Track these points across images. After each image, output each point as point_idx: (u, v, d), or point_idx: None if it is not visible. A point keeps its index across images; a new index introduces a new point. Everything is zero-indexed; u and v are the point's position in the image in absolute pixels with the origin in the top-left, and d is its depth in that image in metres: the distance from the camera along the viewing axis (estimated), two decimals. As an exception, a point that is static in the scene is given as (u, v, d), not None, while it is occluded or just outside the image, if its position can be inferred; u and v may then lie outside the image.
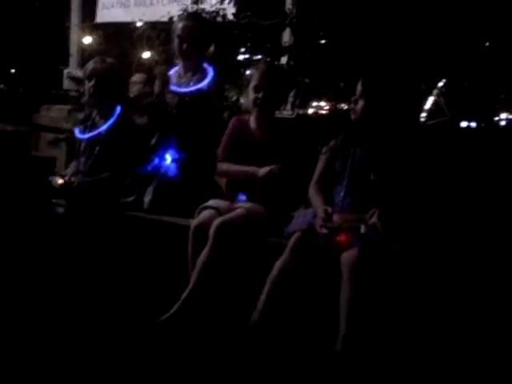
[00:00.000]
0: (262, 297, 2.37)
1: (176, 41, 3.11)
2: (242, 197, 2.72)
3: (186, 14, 3.42)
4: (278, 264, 2.37)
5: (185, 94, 3.10)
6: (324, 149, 2.60)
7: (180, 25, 3.13)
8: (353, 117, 2.47)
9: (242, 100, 3.07)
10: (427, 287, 2.38)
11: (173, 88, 3.15)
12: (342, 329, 2.18)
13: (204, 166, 3.01)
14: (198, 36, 3.09)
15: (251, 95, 2.78)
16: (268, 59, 3.94)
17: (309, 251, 2.35)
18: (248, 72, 2.90)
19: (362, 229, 2.26)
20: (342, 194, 2.45)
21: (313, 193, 2.55)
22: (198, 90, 3.09)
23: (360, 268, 2.20)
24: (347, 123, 2.65)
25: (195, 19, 3.26)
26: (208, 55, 3.27)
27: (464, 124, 5.27)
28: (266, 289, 2.37)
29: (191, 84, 3.11)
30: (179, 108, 3.10)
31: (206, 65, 3.17)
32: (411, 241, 2.32)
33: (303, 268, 2.36)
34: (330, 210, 2.34)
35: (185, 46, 3.06)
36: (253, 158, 2.77)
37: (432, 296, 2.38)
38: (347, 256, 2.22)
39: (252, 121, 2.86)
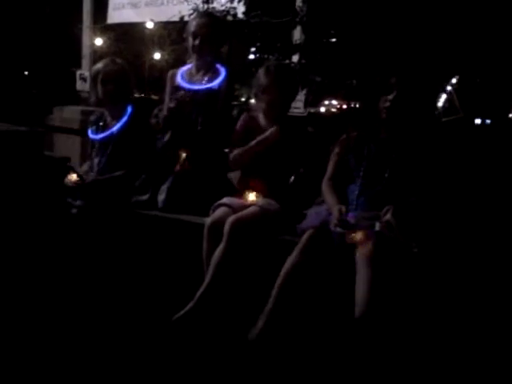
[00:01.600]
0: (274, 291, 2.36)
1: (190, 38, 3.12)
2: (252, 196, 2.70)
3: (199, 12, 3.44)
4: (290, 260, 2.36)
5: (196, 91, 3.10)
6: (335, 150, 2.58)
7: (194, 22, 3.14)
8: (383, 115, 2.42)
9: (251, 100, 3.06)
10: (442, 285, 2.36)
11: (184, 85, 3.15)
12: (357, 320, 2.16)
13: (216, 164, 3.01)
14: (211, 33, 3.08)
15: (263, 99, 2.78)
16: (279, 58, 3.94)
17: (321, 248, 2.34)
18: (258, 73, 2.88)
19: (377, 226, 2.24)
20: (357, 192, 2.43)
21: (326, 190, 2.53)
22: (209, 89, 3.08)
23: (375, 261, 2.18)
24: (360, 120, 2.63)
25: (209, 16, 3.26)
26: (221, 56, 3.27)
27: (478, 121, 5.23)
28: (277, 283, 2.36)
29: (203, 82, 3.11)
30: (189, 105, 3.09)
31: (218, 65, 3.17)
32: (427, 238, 2.29)
33: (315, 265, 2.34)
34: (344, 208, 2.32)
35: (197, 42, 3.07)
36: (263, 155, 2.77)
37: (446, 293, 2.36)
38: (362, 251, 2.21)
39: (261, 118, 2.86)
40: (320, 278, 2.40)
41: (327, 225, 2.33)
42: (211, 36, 3.08)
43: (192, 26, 3.12)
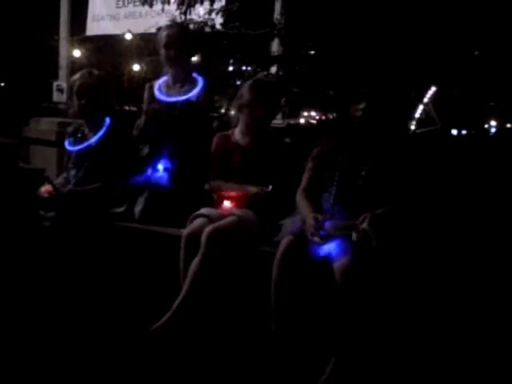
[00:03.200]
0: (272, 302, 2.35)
1: (162, 50, 3.12)
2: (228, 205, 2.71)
3: (168, 23, 3.44)
4: (274, 270, 2.33)
5: (174, 103, 3.10)
6: (309, 161, 2.59)
7: (164, 34, 3.14)
8: (356, 125, 2.45)
9: (231, 112, 3.07)
10: (421, 292, 2.38)
11: (161, 97, 3.15)
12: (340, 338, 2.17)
13: (194, 175, 3.00)
14: (182, 42, 3.09)
15: (246, 115, 2.81)
16: (257, 69, 3.96)
17: (301, 255, 2.32)
18: (240, 89, 2.90)
19: (354, 236, 2.24)
20: (332, 200, 2.44)
21: (301, 200, 2.52)
22: (187, 101, 3.08)
23: (352, 275, 2.18)
24: (334, 131, 2.66)
25: (178, 26, 3.29)
26: (196, 65, 3.28)
27: (454, 132, 5.31)
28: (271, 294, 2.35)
29: (180, 94, 3.11)
30: (168, 117, 3.09)
31: (195, 75, 3.17)
32: (404, 245, 2.31)
33: (296, 271, 2.33)
34: (320, 217, 2.32)
35: (171, 52, 3.08)
36: (243, 167, 2.79)
37: (426, 300, 2.38)
38: (339, 265, 2.21)
39: (237, 132, 2.88)
40: (301, 287, 2.39)
41: (303, 233, 2.33)
42: (183, 46, 3.09)
43: (163, 38, 3.12)
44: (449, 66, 3.85)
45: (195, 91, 3.09)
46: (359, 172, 2.43)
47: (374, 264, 2.23)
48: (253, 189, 2.71)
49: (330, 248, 2.26)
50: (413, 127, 4.44)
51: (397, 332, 2.34)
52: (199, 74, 3.20)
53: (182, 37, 3.11)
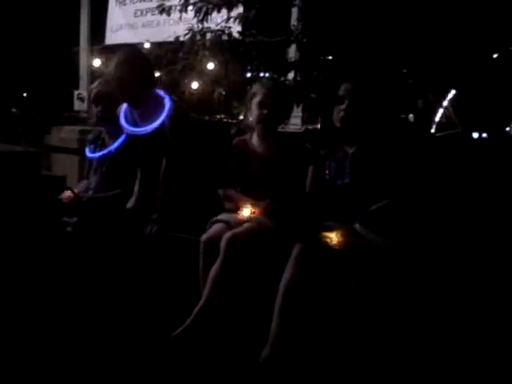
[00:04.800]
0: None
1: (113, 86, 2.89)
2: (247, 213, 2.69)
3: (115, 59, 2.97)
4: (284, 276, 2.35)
5: (141, 135, 2.93)
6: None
7: (111, 66, 2.89)
8: (338, 125, 2.52)
9: (248, 117, 3.01)
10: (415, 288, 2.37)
11: (127, 128, 2.99)
12: None
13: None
14: (132, 75, 2.83)
15: (255, 111, 2.77)
16: (274, 76, 3.97)
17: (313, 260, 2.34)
18: (252, 87, 2.87)
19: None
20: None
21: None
22: (155, 129, 2.87)
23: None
24: (321, 133, 2.74)
25: (124, 55, 2.94)
26: (157, 84, 3.02)
27: (475, 135, 5.24)
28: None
29: (145, 124, 2.90)
30: (137, 147, 2.97)
31: (161, 93, 2.93)
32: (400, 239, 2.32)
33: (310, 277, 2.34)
34: None
35: (124, 96, 2.87)
36: (260, 174, 2.78)
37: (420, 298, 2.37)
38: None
39: (254, 137, 2.85)
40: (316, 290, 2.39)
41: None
42: (132, 78, 2.82)
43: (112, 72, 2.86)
44: (469, 69, 3.82)
45: (161, 118, 2.86)
46: (343, 172, 2.49)
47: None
48: (263, 204, 2.68)
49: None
50: (433, 130, 4.41)
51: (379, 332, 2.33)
52: (165, 91, 2.98)
53: (131, 68, 2.83)
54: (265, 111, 2.74)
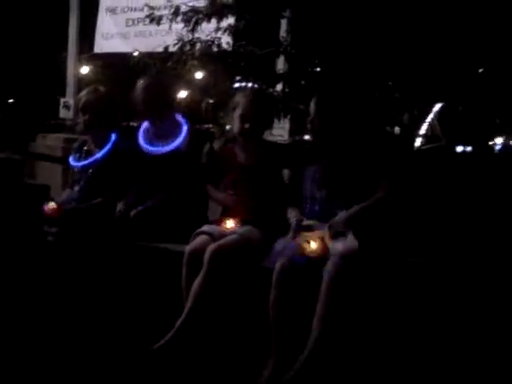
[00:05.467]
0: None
1: (139, 105, 3.07)
2: (231, 223, 2.70)
3: (144, 81, 3.21)
4: (271, 295, 2.35)
5: (158, 155, 3.04)
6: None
7: (139, 88, 3.08)
8: (311, 135, 2.65)
9: (228, 127, 3.05)
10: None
11: (146, 147, 3.09)
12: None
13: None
14: (161, 96, 3.05)
15: (237, 123, 2.79)
16: (255, 86, 3.98)
17: (296, 276, 2.33)
18: (234, 97, 2.88)
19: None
20: (307, 203, 2.59)
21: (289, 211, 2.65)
22: (171, 151, 3.02)
23: (338, 284, 2.22)
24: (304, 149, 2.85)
25: (149, 81, 3.17)
26: (178, 105, 3.22)
27: (459, 148, 5.29)
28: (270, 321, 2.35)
29: (164, 145, 3.04)
30: (153, 167, 3.05)
31: (179, 118, 3.11)
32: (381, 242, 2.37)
33: (293, 293, 2.34)
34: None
35: (143, 107, 3.03)
36: (242, 181, 2.79)
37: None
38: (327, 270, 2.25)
39: (237, 146, 2.88)
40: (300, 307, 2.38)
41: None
42: (155, 101, 3.01)
43: (138, 95, 3.06)
44: (454, 82, 3.86)
45: (179, 140, 3.01)
46: (324, 177, 2.56)
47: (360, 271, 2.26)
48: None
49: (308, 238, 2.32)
50: (418, 143, 4.45)
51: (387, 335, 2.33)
52: (183, 115, 3.14)
53: (154, 93, 3.04)
54: (246, 125, 2.75)
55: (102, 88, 3.23)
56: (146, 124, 3.17)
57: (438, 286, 2.44)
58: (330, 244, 2.30)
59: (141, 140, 3.13)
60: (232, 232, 2.61)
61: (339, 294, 2.22)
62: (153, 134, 3.12)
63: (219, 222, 2.73)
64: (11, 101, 7.41)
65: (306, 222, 2.43)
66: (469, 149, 5.03)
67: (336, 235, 2.33)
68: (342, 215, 2.39)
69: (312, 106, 2.63)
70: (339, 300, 2.22)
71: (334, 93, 2.74)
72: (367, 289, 2.34)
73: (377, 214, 2.46)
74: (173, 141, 3.03)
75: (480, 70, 4.03)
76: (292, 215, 2.55)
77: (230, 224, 2.64)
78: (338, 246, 2.27)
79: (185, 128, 3.06)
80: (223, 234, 2.62)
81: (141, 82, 3.14)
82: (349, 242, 2.29)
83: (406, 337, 2.37)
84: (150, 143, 3.10)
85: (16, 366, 2.36)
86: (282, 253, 2.39)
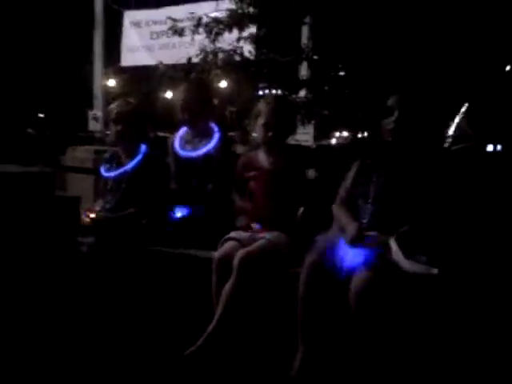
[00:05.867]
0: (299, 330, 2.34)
1: (180, 112, 3.17)
2: (258, 226, 2.72)
3: (185, 85, 3.42)
4: (299, 295, 2.34)
5: (192, 158, 3.14)
6: (348, 175, 2.58)
7: (181, 96, 3.20)
8: (389, 138, 2.44)
9: (254, 134, 3.07)
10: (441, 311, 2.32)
11: (181, 152, 3.19)
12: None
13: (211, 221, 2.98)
14: (198, 103, 3.14)
15: (260, 132, 2.80)
16: (277, 93, 4.00)
17: (325, 273, 2.31)
18: (257, 105, 2.90)
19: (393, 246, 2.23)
20: (367, 216, 2.41)
21: (339, 212, 2.52)
22: (205, 155, 3.12)
23: (366, 298, 2.16)
24: (369, 148, 2.65)
25: (193, 87, 3.31)
26: (213, 115, 3.27)
27: (490, 148, 5.20)
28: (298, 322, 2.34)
29: (198, 148, 3.14)
30: (186, 171, 3.14)
31: (212, 125, 3.20)
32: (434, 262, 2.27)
33: (321, 290, 2.31)
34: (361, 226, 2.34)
35: (186, 114, 3.13)
36: (267, 186, 2.79)
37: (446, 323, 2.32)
38: (354, 286, 2.18)
39: (261, 152, 2.89)
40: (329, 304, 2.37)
41: (331, 252, 2.32)
42: (198, 107, 3.12)
43: (179, 100, 3.17)
44: (482, 81, 3.81)
45: (212, 144, 3.12)
46: (393, 188, 2.40)
47: (391, 284, 2.19)
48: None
49: (355, 261, 2.24)
50: (447, 144, 4.39)
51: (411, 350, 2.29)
52: (215, 122, 3.23)
53: (197, 99, 3.15)
54: (269, 133, 2.77)
55: (132, 100, 3.30)
56: (182, 131, 3.26)
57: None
58: (401, 260, 2.18)
59: (176, 145, 3.22)
60: (261, 237, 2.62)
61: (368, 311, 2.17)
62: (188, 139, 3.21)
63: (246, 227, 2.74)
64: (41, 115, 7.59)
65: (367, 233, 2.30)
66: (499, 148, 4.94)
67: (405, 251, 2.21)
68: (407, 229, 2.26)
69: (394, 104, 2.43)
70: (369, 316, 2.17)
71: (416, 93, 2.60)
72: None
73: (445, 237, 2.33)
74: (205, 146, 3.12)
75: (507, 68, 3.97)
76: (353, 225, 2.37)
77: (256, 227, 2.66)
78: (416, 268, 2.17)
79: (217, 135, 3.14)
80: (251, 240, 2.63)
81: (186, 85, 3.31)
82: (427, 268, 2.18)
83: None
84: (185, 148, 3.20)
85: (50, 373, 2.40)
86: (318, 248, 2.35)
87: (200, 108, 3.14)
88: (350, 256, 2.28)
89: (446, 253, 2.25)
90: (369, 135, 3.69)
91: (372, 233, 2.30)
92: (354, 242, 2.29)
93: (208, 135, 3.15)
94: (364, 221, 2.40)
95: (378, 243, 2.26)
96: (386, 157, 2.48)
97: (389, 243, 2.22)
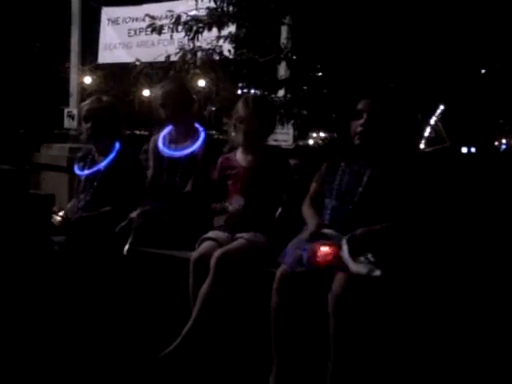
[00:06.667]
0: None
1: (160, 109, 3.14)
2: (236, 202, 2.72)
3: (164, 82, 3.42)
4: (272, 303, 2.34)
5: (177, 158, 3.12)
6: (317, 174, 2.64)
7: (160, 92, 3.17)
8: (357, 141, 2.45)
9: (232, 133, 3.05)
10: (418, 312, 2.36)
11: (165, 151, 3.17)
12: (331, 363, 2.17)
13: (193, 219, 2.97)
14: (177, 100, 3.11)
15: (241, 136, 2.80)
16: (255, 94, 3.99)
17: (297, 283, 2.31)
18: (236, 105, 2.89)
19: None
20: (328, 213, 2.46)
21: (305, 208, 2.57)
22: (189, 155, 3.11)
23: (344, 306, 2.16)
24: (338, 149, 2.68)
25: (172, 83, 3.28)
26: (196, 114, 3.26)
27: (464, 150, 5.29)
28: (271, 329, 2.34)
29: (183, 148, 3.13)
30: (170, 170, 3.11)
31: (197, 125, 3.20)
32: (401, 263, 2.29)
33: (294, 299, 2.31)
34: (322, 224, 2.38)
35: (168, 111, 3.11)
36: (245, 185, 2.79)
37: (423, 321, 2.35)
38: (332, 294, 2.18)
39: (239, 152, 2.88)
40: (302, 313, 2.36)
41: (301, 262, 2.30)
42: (178, 103, 3.10)
43: (158, 98, 3.14)
44: (457, 84, 3.86)
45: (196, 145, 3.11)
46: (357, 187, 2.43)
47: (369, 292, 2.20)
48: (232, 206, 2.73)
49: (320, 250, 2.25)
50: (422, 146, 4.45)
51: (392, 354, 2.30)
52: (200, 123, 3.23)
53: (177, 94, 3.12)
54: (250, 139, 2.77)
55: (104, 97, 3.26)
56: (166, 129, 3.24)
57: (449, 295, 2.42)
58: (348, 260, 2.19)
59: (160, 143, 3.20)
60: (238, 237, 2.61)
61: (347, 314, 2.17)
62: (173, 138, 3.20)
63: (225, 228, 2.72)
64: (14, 112, 7.46)
65: (325, 231, 2.32)
66: (473, 150, 5.02)
67: (353, 252, 2.22)
68: (362, 231, 2.28)
69: (363, 108, 2.45)
70: (348, 319, 2.17)
71: (387, 97, 2.64)
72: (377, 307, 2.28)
73: (400, 239, 2.35)
74: (190, 146, 3.12)
75: (483, 71, 4.04)
76: (313, 221, 2.42)
77: (236, 201, 2.67)
78: (359, 269, 2.17)
79: (202, 134, 3.14)
80: (229, 240, 2.63)
81: (164, 82, 3.29)
82: (370, 268, 2.18)
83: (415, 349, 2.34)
84: (169, 147, 3.18)
85: (20, 372, 2.35)
86: (294, 252, 2.34)
87: (179, 106, 3.11)
88: (309, 251, 2.28)
89: (391, 254, 2.28)
90: (338, 136, 3.72)
91: (330, 231, 2.32)
92: (312, 239, 2.31)
93: (193, 135, 3.14)
94: (326, 218, 2.44)
95: (334, 242, 2.27)
96: (352, 158, 2.51)
97: (341, 243, 2.23)
